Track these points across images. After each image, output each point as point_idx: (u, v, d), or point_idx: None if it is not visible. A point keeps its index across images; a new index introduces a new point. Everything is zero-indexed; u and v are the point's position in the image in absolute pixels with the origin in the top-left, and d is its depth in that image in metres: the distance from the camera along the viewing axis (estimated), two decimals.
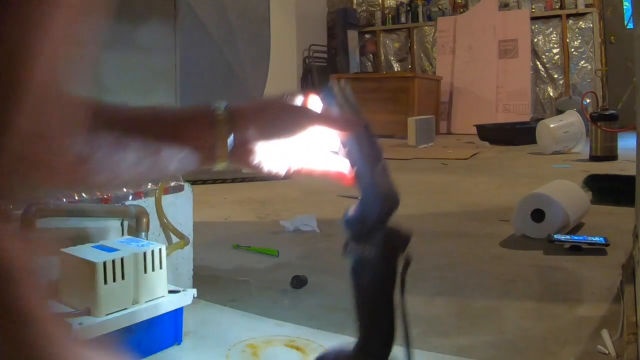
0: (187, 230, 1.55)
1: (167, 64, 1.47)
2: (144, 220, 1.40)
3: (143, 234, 1.39)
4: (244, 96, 1.83)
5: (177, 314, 1.29)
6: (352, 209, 0.78)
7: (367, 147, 0.79)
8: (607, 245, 2.01)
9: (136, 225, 1.39)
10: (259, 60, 1.86)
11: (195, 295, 1.32)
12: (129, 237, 1.38)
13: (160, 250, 1.26)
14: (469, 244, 2.21)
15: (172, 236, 1.50)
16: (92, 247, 1.24)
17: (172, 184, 1.52)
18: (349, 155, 0.80)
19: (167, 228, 1.48)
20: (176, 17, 1.46)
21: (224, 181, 3.84)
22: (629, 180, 2.45)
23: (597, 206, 2.75)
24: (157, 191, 1.47)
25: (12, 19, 0.44)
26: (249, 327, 1.38)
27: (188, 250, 1.56)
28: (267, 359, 1.21)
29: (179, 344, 1.29)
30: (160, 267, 1.26)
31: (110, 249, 1.22)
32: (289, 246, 2.15)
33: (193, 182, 1.65)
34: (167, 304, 1.25)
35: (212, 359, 1.22)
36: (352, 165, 0.79)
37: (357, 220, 0.78)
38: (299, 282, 1.70)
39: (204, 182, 3.75)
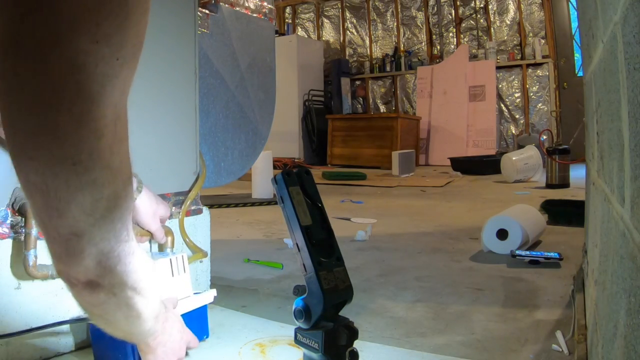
0: (205, 247, 1.56)
1: (188, 105, 1.48)
2: (169, 238, 1.40)
3: (168, 250, 1.40)
4: (254, 133, 1.85)
5: (202, 311, 1.29)
6: (301, 299, 0.72)
7: None
8: (561, 259, 2.02)
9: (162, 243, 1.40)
10: (266, 103, 1.89)
11: (215, 295, 1.32)
12: (157, 252, 1.39)
13: (182, 257, 1.28)
14: (444, 258, 2.22)
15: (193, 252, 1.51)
16: None
17: (193, 207, 1.53)
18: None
19: (188, 245, 1.49)
20: (196, 66, 1.49)
21: (236, 205, 3.85)
22: (580, 204, 2.48)
23: (552, 226, 2.76)
24: (180, 214, 1.48)
25: None
26: (257, 329, 1.37)
27: (206, 263, 1.57)
28: (273, 356, 1.21)
29: (207, 337, 1.29)
30: (184, 271, 1.27)
31: None
32: (292, 260, 2.15)
33: (210, 206, 1.66)
34: (193, 301, 1.26)
35: (226, 356, 1.22)
36: None
37: (303, 312, 0.71)
38: (300, 291, 1.70)
39: (220, 206, 3.76)
